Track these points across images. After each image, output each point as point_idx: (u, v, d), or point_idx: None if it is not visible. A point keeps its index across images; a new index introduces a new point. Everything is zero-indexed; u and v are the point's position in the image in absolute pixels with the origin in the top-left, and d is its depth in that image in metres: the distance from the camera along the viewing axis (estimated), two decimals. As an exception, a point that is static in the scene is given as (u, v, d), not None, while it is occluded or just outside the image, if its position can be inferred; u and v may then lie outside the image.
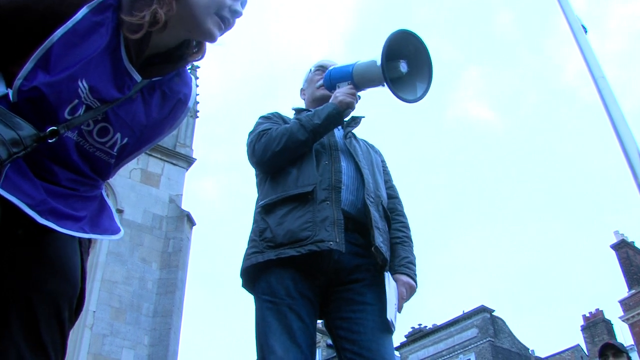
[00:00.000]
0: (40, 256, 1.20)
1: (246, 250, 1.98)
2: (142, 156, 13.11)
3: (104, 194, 1.38)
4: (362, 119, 2.33)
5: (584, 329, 27.90)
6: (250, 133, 2.17)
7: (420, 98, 2.05)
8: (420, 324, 30.27)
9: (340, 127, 2.23)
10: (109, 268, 11.25)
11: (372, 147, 2.37)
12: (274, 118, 2.22)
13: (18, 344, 1.12)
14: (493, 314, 27.30)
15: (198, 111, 15.55)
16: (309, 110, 2.24)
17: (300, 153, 2.03)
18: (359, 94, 2.16)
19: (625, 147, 2.77)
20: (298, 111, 2.33)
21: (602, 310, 27.98)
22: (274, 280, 1.85)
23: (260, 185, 2.15)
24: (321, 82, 2.30)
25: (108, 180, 1.45)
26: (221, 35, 1.30)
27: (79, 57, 1.17)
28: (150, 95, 1.32)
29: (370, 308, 1.90)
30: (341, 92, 2.07)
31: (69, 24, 1.15)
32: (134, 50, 1.24)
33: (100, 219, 1.31)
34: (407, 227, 2.22)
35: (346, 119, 2.19)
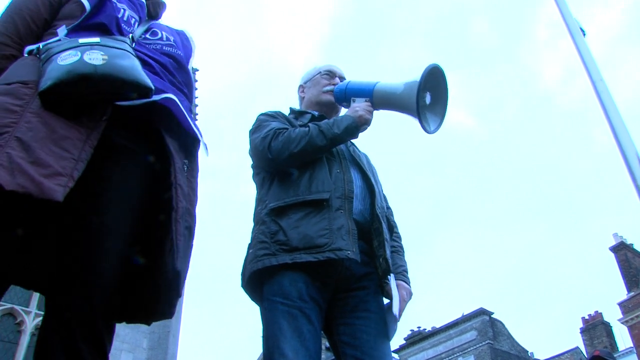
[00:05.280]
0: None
1: (253, 252, 1.93)
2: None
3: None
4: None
5: (583, 331, 27.90)
6: (256, 130, 2.12)
7: (437, 129, 2.11)
8: (419, 327, 30.25)
9: None
10: (108, 271, 11.22)
11: (366, 155, 2.37)
12: (280, 118, 2.18)
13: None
14: (492, 316, 27.30)
15: (197, 114, 15.54)
16: (308, 112, 2.24)
17: (314, 158, 2.02)
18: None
19: (623, 149, 2.78)
20: (298, 113, 2.28)
21: (601, 313, 28.00)
22: (287, 282, 1.83)
23: (262, 184, 2.10)
24: (329, 87, 2.30)
25: None
26: None
27: None
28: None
29: (373, 316, 1.93)
30: (362, 108, 2.07)
31: None
32: None
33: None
34: (400, 237, 2.30)
35: None
